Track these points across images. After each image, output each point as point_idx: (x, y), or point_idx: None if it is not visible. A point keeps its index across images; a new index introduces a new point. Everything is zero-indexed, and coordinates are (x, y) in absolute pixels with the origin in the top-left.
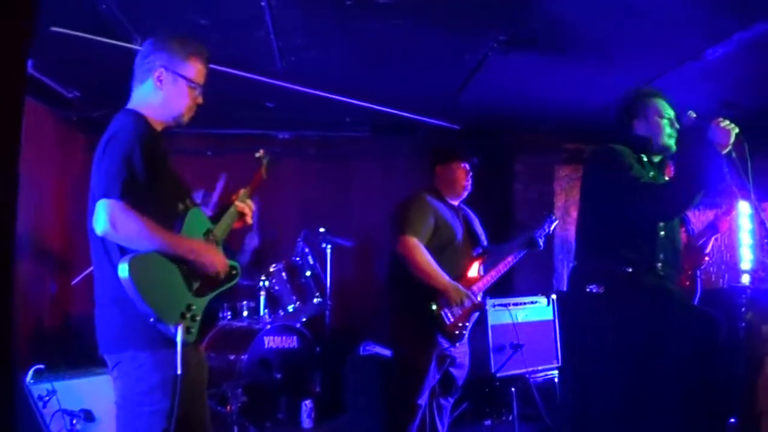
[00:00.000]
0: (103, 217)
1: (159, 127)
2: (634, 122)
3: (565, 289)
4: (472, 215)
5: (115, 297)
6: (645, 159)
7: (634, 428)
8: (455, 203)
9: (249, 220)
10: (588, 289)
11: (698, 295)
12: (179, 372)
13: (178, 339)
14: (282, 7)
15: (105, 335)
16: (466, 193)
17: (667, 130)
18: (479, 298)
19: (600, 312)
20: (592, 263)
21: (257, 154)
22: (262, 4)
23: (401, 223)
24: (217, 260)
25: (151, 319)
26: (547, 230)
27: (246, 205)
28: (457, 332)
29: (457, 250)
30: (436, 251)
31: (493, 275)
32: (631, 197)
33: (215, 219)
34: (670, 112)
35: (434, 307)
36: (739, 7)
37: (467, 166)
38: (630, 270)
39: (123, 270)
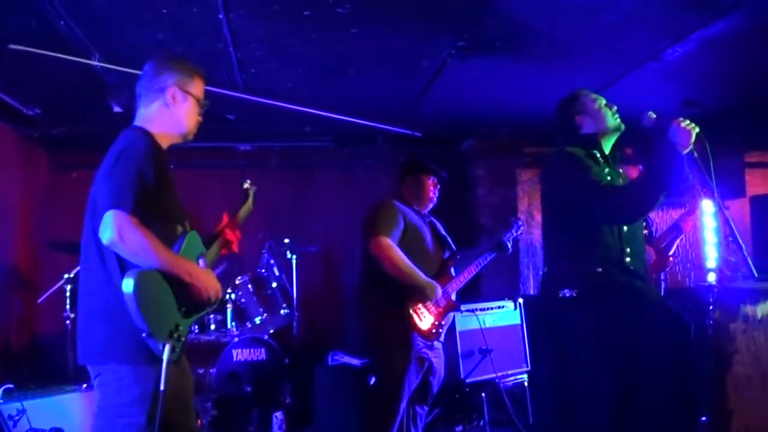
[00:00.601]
0: (111, 227)
1: (165, 146)
2: (579, 122)
3: (531, 292)
4: (435, 221)
5: (104, 308)
6: (598, 154)
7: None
8: (421, 211)
9: (235, 248)
10: (561, 294)
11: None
12: (162, 388)
13: (165, 357)
14: (240, 20)
15: (88, 346)
16: (431, 205)
17: (609, 111)
18: (453, 298)
19: (574, 316)
20: (563, 267)
21: (245, 185)
22: (220, 16)
23: (373, 226)
24: (211, 285)
25: (144, 334)
26: (514, 234)
27: (234, 235)
28: (434, 330)
29: (427, 253)
30: (410, 253)
31: (465, 276)
32: (593, 202)
33: (206, 245)
34: (601, 98)
35: (411, 309)
36: (698, 5)
37: (435, 179)
38: (600, 270)
39: (128, 284)
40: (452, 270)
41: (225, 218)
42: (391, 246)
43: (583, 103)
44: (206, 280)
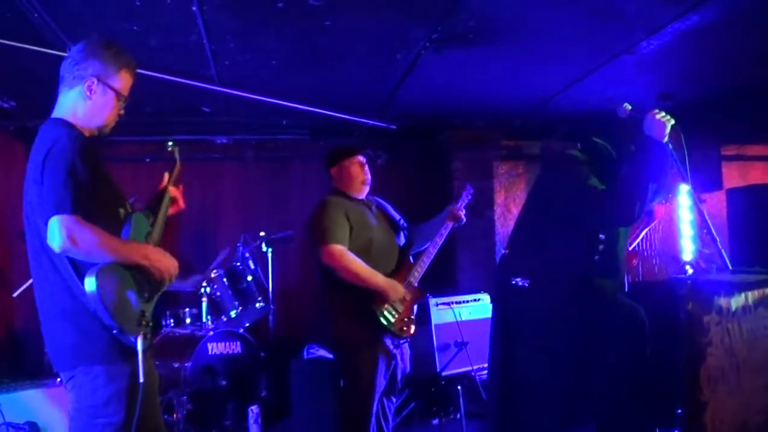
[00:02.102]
0: (59, 233)
1: (87, 134)
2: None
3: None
4: (383, 203)
5: (65, 312)
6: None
7: (568, 424)
8: (362, 198)
9: (182, 204)
10: (513, 282)
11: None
12: (141, 380)
13: (139, 348)
14: (214, 12)
15: (58, 352)
16: (367, 187)
17: None
18: (416, 285)
19: (525, 306)
20: (523, 255)
21: (168, 148)
22: (194, 8)
23: (320, 234)
24: (169, 264)
25: (114, 331)
26: (466, 200)
27: (177, 190)
28: (405, 327)
29: (382, 245)
30: (362, 252)
31: (426, 260)
32: (593, 207)
33: (152, 211)
34: None
35: (376, 310)
36: None
37: (361, 158)
38: (555, 266)
39: (90, 284)
40: (410, 257)
41: (165, 177)
42: (344, 253)
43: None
44: (163, 260)
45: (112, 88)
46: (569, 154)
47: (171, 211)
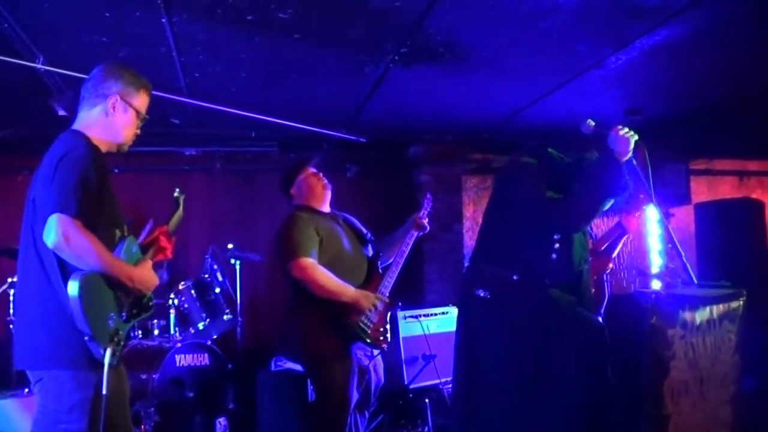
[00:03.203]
0: (56, 230)
1: (104, 149)
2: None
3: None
4: (349, 217)
5: (46, 314)
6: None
7: None
8: (328, 210)
9: (169, 254)
10: (476, 294)
11: (606, 301)
12: (104, 392)
13: (106, 361)
14: (183, 24)
15: (29, 351)
16: (329, 193)
17: None
18: (387, 295)
19: (486, 317)
20: (485, 268)
21: (175, 194)
22: (163, 20)
23: (289, 248)
24: (150, 282)
25: (86, 337)
26: (427, 209)
27: (168, 242)
28: (381, 337)
29: (349, 257)
30: (332, 264)
31: (395, 270)
32: (542, 212)
33: (143, 250)
34: None
35: (350, 320)
36: (641, 13)
37: (312, 169)
38: (516, 278)
39: (73, 287)
40: (380, 268)
41: (163, 228)
42: (314, 266)
43: None
44: (148, 282)
45: (132, 107)
46: (524, 161)
47: (157, 257)
